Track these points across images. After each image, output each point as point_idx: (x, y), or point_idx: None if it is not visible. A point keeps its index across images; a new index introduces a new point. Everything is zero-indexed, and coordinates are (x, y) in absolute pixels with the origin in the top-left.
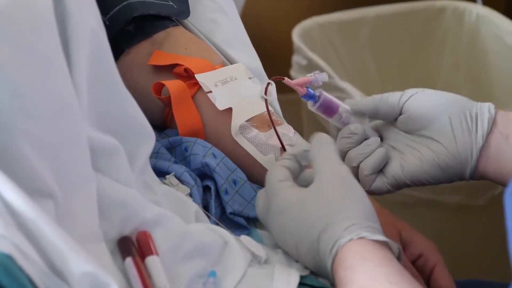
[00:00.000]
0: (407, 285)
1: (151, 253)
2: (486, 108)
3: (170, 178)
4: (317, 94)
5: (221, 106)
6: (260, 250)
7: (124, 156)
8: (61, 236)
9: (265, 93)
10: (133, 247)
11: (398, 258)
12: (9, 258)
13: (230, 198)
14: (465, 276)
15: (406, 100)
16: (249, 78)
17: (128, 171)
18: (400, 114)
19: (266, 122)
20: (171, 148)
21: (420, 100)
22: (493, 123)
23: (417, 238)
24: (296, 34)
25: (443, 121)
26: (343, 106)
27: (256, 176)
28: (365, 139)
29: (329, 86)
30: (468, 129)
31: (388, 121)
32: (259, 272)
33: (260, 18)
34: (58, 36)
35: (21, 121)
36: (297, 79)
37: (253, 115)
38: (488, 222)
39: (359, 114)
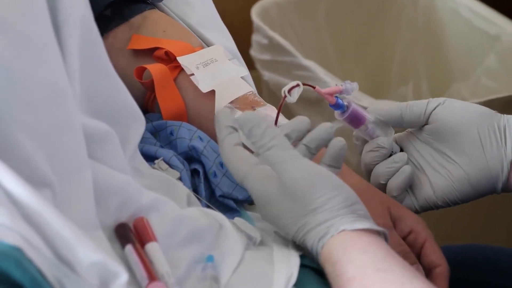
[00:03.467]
0: (396, 268)
1: (150, 239)
2: None
3: (160, 162)
4: (346, 104)
5: (204, 88)
6: (254, 231)
7: (117, 142)
8: (67, 225)
9: (289, 92)
10: (131, 234)
11: (386, 239)
12: (18, 250)
13: (219, 181)
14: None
15: (433, 109)
16: (229, 60)
17: (122, 157)
18: (427, 123)
19: (249, 103)
20: (155, 133)
21: (448, 110)
22: None
23: (407, 214)
24: (255, 13)
25: (472, 134)
26: (369, 117)
27: None
28: (391, 153)
29: (293, 65)
30: (497, 143)
31: (414, 128)
32: (257, 255)
33: None
34: (50, 22)
35: (17, 110)
36: (327, 88)
37: (236, 97)
38: None
39: (384, 122)
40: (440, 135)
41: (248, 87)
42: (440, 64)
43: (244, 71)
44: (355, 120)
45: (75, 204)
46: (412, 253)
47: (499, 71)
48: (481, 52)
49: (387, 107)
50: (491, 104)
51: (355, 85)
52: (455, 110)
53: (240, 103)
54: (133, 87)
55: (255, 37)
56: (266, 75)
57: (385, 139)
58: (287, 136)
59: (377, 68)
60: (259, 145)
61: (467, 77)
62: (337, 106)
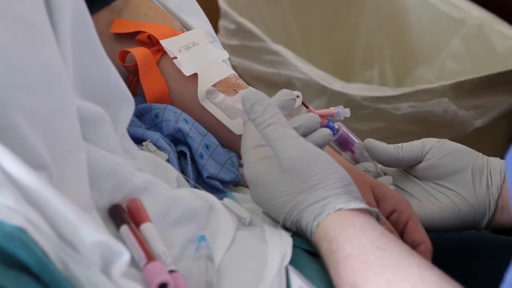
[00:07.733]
0: (393, 246)
1: (144, 220)
2: (496, 160)
3: (148, 144)
4: (336, 127)
5: (187, 71)
6: (243, 212)
7: (110, 124)
8: (69, 206)
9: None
10: (125, 215)
11: (378, 220)
12: (23, 231)
13: (206, 162)
14: None
15: (430, 149)
16: (210, 43)
17: (115, 138)
18: (421, 161)
19: (232, 86)
20: (139, 116)
21: (446, 149)
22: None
23: (390, 194)
24: None
25: (466, 174)
26: (358, 142)
27: (225, 140)
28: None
29: (262, 50)
30: (486, 184)
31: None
32: (249, 234)
33: None
34: (44, 6)
35: (14, 93)
36: (320, 110)
37: (219, 80)
38: None
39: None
40: (433, 172)
41: (230, 70)
42: (405, 48)
43: (225, 54)
44: (344, 143)
45: (70, 185)
46: (396, 232)
47: (464, 54)
48: (446, 35)
49: (383, 147)
50: (458, 87)
51: (347, 111)
52: (448, 151)
53: (222, 86)
54: None
55: (223, 23)
56: (235, 60)
57: (371, 164)
58: (295, 129)
59: (342, 53)
60: (259, 122)
61: (432, 60)
62: (329, 128)
